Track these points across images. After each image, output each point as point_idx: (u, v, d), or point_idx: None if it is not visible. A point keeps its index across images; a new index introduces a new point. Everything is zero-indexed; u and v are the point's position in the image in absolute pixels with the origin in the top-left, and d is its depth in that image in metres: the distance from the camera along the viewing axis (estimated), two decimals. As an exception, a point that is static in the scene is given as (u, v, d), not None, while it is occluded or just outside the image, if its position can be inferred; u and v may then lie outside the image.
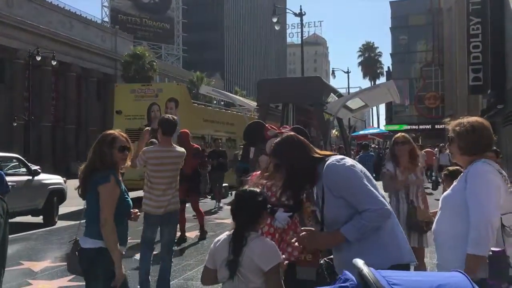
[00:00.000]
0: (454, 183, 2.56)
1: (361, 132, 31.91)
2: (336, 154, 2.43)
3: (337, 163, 2.26)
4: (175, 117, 5.20)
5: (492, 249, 2.10)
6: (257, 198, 2.35)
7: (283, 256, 4.01)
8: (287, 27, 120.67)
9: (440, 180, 10.42)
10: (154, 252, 5.27)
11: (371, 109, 56.57)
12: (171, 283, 5.11)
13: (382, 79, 59.32)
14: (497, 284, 2.02)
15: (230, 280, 2.32)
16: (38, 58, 30.55)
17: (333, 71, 47.18)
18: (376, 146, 31.73)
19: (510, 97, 18.54)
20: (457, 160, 2.69)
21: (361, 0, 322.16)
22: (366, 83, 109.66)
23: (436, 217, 2.61)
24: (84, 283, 3.07)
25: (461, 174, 2.55)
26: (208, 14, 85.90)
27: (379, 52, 61.83)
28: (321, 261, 2.64)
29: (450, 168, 4.33)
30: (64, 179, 11.49)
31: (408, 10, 46.74)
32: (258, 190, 2.43)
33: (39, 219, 10.54)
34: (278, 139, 2.48)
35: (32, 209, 10.18)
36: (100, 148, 3.01)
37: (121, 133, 3.12)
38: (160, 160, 5.03)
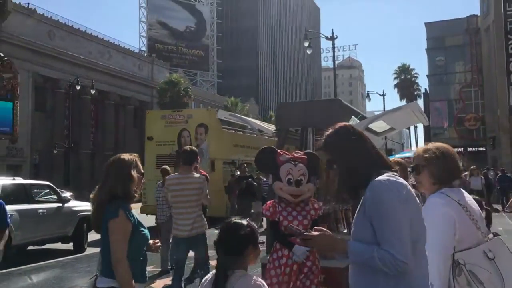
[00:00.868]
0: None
1: (397, 156, 31.11)
2: (396, 170, 2.07)
3: (387, 183, 1.91)
4: (194, 148, 5.77)
5: None
6: (240, 231, 2.10)
7: None
8: (321, 51, 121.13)
9: None
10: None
11: (409, 132, 55.35)
12: None
13: (419, 101, 58.15)
14: None
15: None
16: (78, 87, 31.68)
17: (368, 94, 46.63)
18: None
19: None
20: (426, 190, 2.41)
21: (395, 22, 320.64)
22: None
23: None
24: None
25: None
26: (242, 40, 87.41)
27: (416, 73, 60.70)
28: None
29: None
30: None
31: (444, 31, 45.87)
32: (244, 222, 2.18)
33: (69, 246, 10.62)
34: (330, 129, 2.17)
35: (62, 236, 10.28)
36: (126, 171, 2.70)
37: (138, 157, 2.89)
38: (179, 186, 5.43)
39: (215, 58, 72.80)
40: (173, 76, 46.93)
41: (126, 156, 2.82)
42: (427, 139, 46.83)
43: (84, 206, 11.22)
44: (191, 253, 5.70)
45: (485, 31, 40.41)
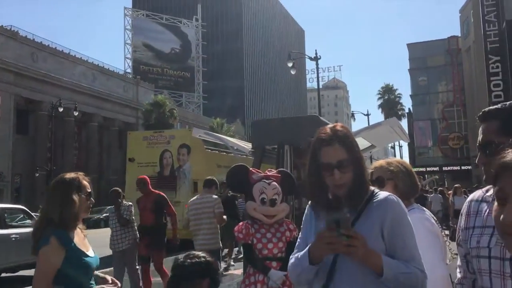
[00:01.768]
0: None
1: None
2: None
3: (399, 201, 1.82)
4: (215, 178, 6.70)
5: None
6: (194, 266, 1.90)
7: None
8: (306, 72, 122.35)
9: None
10: None
11: (394, 152, 55.69)
12: None
13: (403, 121, 58.68)
14: None
15: None
16: (61, 110, 31.33)
17: (352, 114, 46.94)
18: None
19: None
20: None
21: (378, 44, 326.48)
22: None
23: None
24: None
25: None
26: (228, 62, 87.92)
27: (399, 94, 61.42)
28: None
29: None
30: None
31: (426, 51, 46.69)
32: (201, 254, 1.97)
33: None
34: (344, 127, 1.91)
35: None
36: (63, 194, 2.43)
37: (84, 176, 2.61)
38: (194, 206, 6.47)
39: (200, 79, 72.96)
40: (158, 97, 46.80)
41: (67, 176, 2.55)
42: (412, 158, 47.11)
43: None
44: None
45: (466, 51, 41.20)
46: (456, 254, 1.83)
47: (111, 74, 46.18)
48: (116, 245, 6.88)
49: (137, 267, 7.05)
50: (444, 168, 43.98)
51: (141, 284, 7.05)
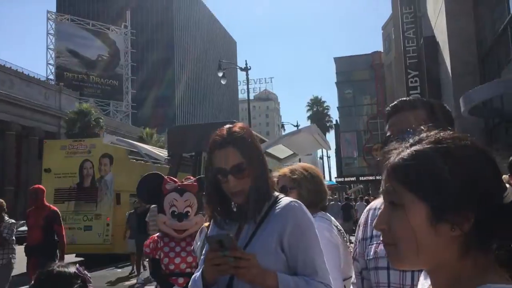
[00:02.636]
0: None
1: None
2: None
3: (303, 207, 1.61)
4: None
5: None
6: (61, 284, 1.62)
7: None
8: (238, 83, 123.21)
9: None
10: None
11: (322, 162, 57.15)
12: None
13: (331, 132, 60.58)
14: None
15: None
16: (-29, 116, 28.96)
17: (282, 125, 47.78)
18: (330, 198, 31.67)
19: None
20: None
21: (308, 57, 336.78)
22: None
23: None
24: None
25: None
26: (158, 71, 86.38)
27: (327, 106, 63.51)
28: None
29: None
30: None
31: (351, 65, 48.65)
32: (71, 269, 1.70)
33: None
34: (243, 127, 1.73)
35: None
36: None
37: None
38: None
39: (129, 87, 70.89)
40: (83, 105, 44.70)
41: None
42: (339, 169, 48.66)
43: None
44: None
45: (387, 66, 43.36)
46: None
47: (31, 80, 43.53)
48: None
49: None
50: (369, 178, 45.76)
51: None
